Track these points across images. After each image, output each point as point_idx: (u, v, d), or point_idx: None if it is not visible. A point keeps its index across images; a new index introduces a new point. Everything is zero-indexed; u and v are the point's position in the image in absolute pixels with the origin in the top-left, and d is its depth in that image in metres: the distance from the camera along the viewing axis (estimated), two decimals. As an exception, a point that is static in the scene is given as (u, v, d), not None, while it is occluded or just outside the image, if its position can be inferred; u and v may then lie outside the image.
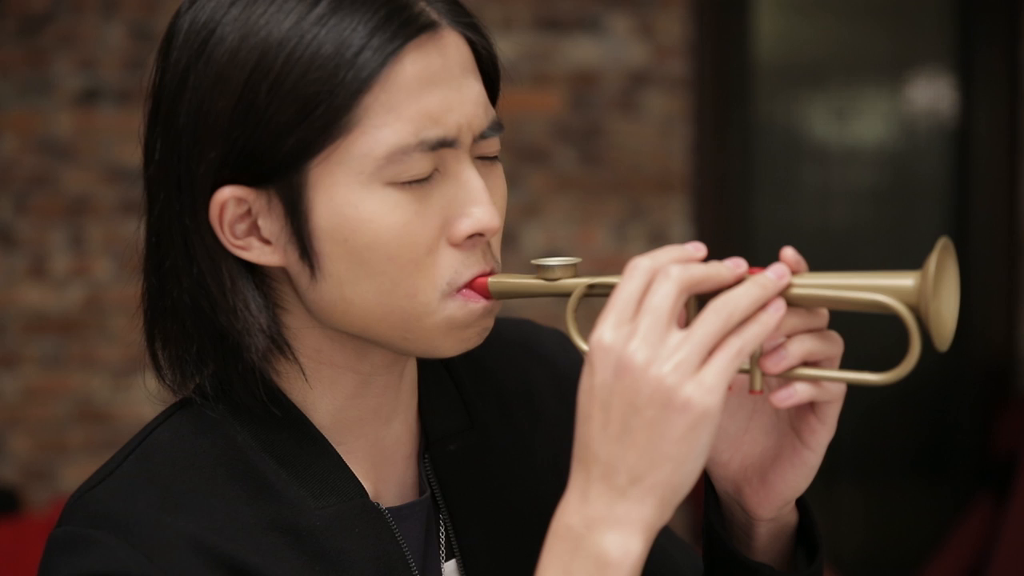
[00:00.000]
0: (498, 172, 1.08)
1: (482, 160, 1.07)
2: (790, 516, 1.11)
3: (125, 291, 4.14)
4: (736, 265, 0.97)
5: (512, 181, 4.29)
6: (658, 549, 1.08)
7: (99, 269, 3.96)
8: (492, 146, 1.07)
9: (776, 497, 1.06)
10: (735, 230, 4.17)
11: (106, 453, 3.87)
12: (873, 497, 4.41)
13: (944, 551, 4.02)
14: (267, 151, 1.00)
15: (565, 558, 0.93)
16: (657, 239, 4.06)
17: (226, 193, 1.02)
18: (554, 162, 4.08)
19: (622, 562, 0.91)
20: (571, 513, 0.94)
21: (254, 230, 1.04)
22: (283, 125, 0.99)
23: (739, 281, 0.96)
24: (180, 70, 1.03)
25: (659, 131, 4.11)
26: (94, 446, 3.93)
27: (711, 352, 0.91)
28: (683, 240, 4.06)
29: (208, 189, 1.02)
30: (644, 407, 0.90)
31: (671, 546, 1.26)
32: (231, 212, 1.03)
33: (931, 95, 4.38)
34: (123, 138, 3.94)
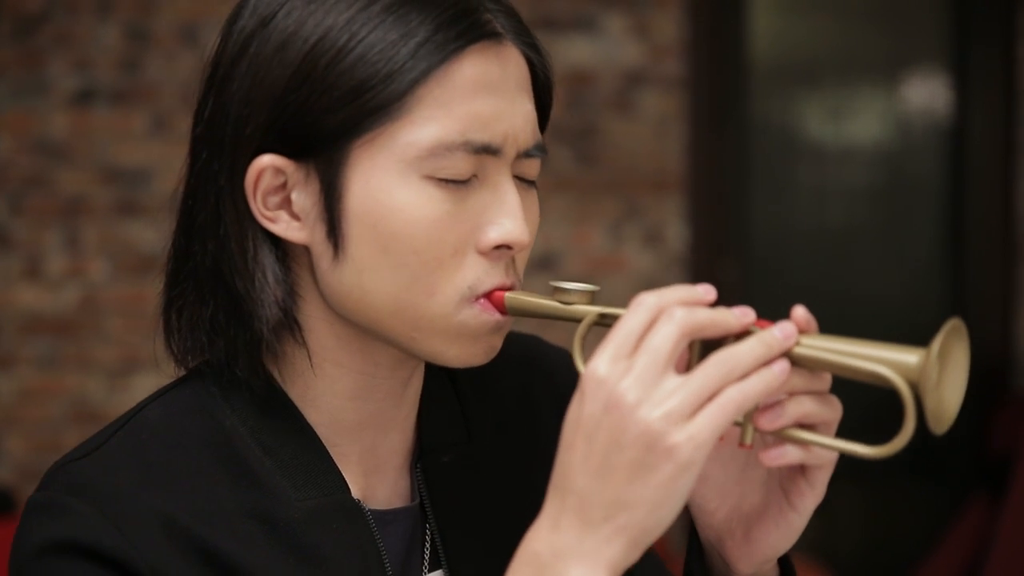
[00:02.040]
0: (534, 198, 1.09)
1: (520, 180, 1.07)
2: (771, 573, 1.10)
3: (120, 292, 4.15)
4: (743, 314, 0.95)
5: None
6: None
7: (94, 270, 3.95)
8: (533, 168, 1.08)
9: (757, 554, 1.05)
10: (731, 229, 4.17)
11: (102, 454, 3.88)
12: (869, 496, 4.41)
13: (940, 550, 4.02)
14: (315, 123, 1.01)
15: None
16: (653, 239, 4.06)
17: (266, 160, 1.03)
18: (550, 162, 4.05)
19: None
20: (540, 540, 0.93)
21: (286, 204, 1.04)
22: (335, 101, 1.00)
23: (745, 331, 0.95)
24: (243, 37, 1.04)
25: (655, 131, 4.11)
26: (90, 447, 3.92)
27: (705, 402, 0.90)
28: (678, 239, 4.07)
29: (250, 153, 1.03)
30: (628, 447, 0.89)
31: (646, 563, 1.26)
32: (267, 182, 1.03)
33: (927, 94, 4.38)
34: (118, 138, 3.94)
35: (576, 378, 1.26)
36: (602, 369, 0.91)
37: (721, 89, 4.16)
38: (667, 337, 0.91)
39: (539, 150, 1.08)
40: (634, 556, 0.92)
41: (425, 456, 1.15)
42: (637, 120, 4.10)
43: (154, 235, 3.95)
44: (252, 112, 1.03)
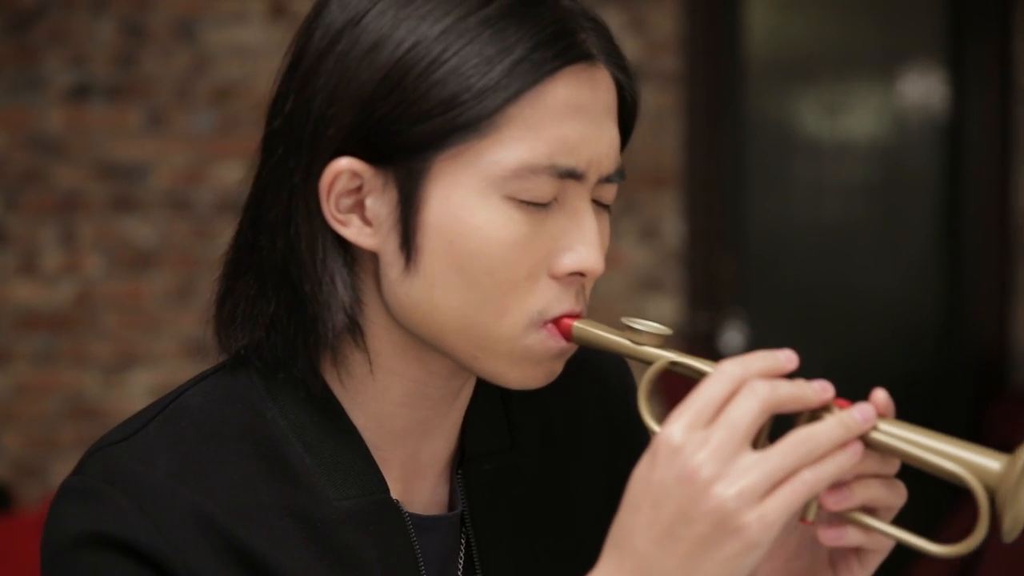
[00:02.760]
0: (606, 222, 1.07)
1: (596, 204, 1.05)
2: None
3: (116, 287, 4.14)
4: (823, 390, 0.93)
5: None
6: None
7: (90, 265, 3.95)
8: (610, 193, 1.06)
9: None
10: (727, 225, 4.17)
11: (98, 450, 3.87)
12: (865, 492, 4.41)
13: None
14: (400, 132, 0.99)
15: None
16: (649, 234, 4.06)
17: (343, 163, 1.01)
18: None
19: None
20: None
21: (358, 208, 1.02)
22: (424, 111, 0.98)
23: (823, 406, 0.93)
24: (332, 32, 1.02)
25: (651, 126, 4.11)
26: (86, 442, 3.90)
27: (780, 482, 0.89)
28: (675, 235, 4.07)
29: (328, 154, 1.01)
30: (697, 521, 0.88)
31: None
32: (342, 184, 1.01)
33: (923, 90, 4.38)
34: (114, 134, 3.94)
35: (627, 380, 1.25)
36: (678, 436, 0.90)
37: (717, 85, 4.16)
38: (748, 412, 0.90)
39: (619, 176, 1.06)
40: None
41: (467, 463, 1.13)
42: (633, 116, 4.09)
43: (150, 230, 3.95)
44: (336, 113, 1.00)
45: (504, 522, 1.13)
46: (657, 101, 4.09)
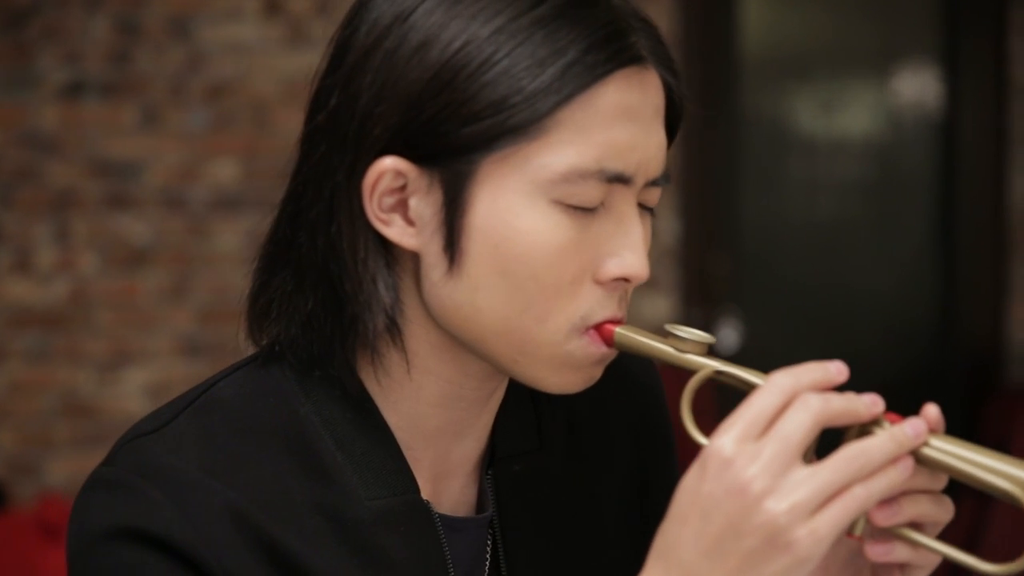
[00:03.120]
0: (649, 226, 1.06)
1: (640, 208, 1.04)
2: None
3: (111, 285, 4.14)
4: (873, 403, 0.93)
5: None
6: None
7: (84, 263, 3.95)
8: (655, 196, 1.05)
9: None
10: (722, 223, 4.17)
11: (92, 447, 3.87)
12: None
13: (931, 543, 4.03)
14: (448, 133, 0.97)
15: None
16: (644, 232, 4.06)
17: (389, 163, 0.99)
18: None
19: None
20: None
21: (400, 208, 1.01)
22: (474, 113, 0.97)
23: (873, 419, 0.93)
24: (380, 28, 1.00)
25: (646, 124, 4.10)
26: (80, 440, 3.92)
27: (831, 497, 0.88)
28: (669, 232, 4.06)
29: (374, 153, 0.99)
30: (747, 535, 0.88)
31: None
32: (385, 183, 1.00)
33: (918, 87, 4.38)
34: (108, 132, 3.93)
35: (654, 377, 1.23)
36: (729, 449, 0.89)
37: (712, 83, 4.16)
38: (800, 425, 0.89)
39: (665, 179, 1.05)
40: None
41: (497, 463, 1.12)
42: (628, 113, 4.09)
43: (144, 228, 3.94)
44: (383, 112, 0.99)
45: (530, 524, 1.12)
46: (652, 99, 4.09)
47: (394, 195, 1.01)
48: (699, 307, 4.08)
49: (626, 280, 1.02)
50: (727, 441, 0.89)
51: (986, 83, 4.30)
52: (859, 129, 4.41)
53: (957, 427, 4.06)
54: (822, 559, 1.00)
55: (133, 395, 3.91)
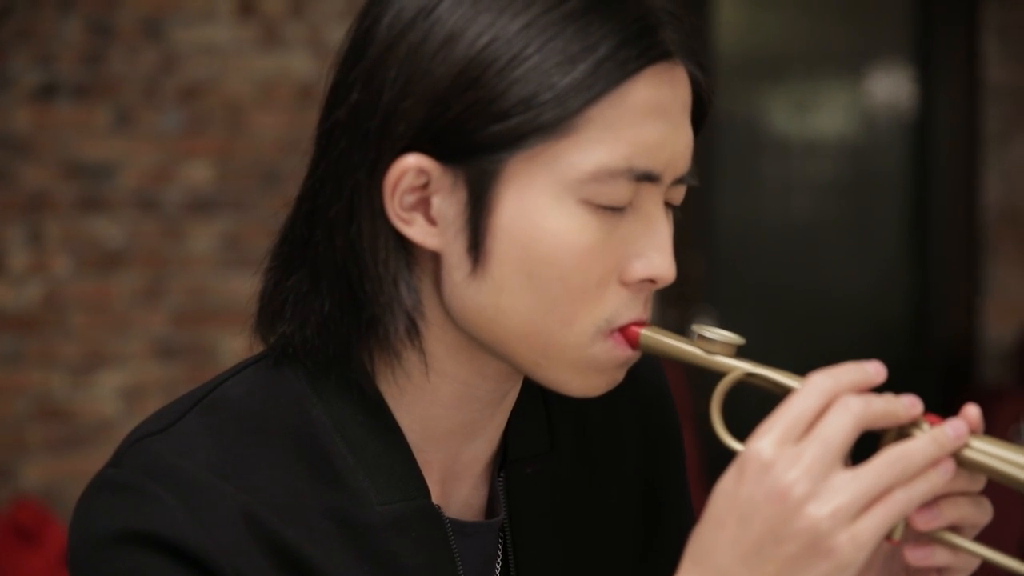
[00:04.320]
0: (671, 222, 1.03)
1: (666, 206, 1.02)
2: None
3: (84, 288, 4.11)
4: (912, 405, 0.91)
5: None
6: None
7: (58, 265, 3.93)
8: (680, 195, 1.03)
9: None
10: (697, 223, 4.17)
11: (66, 451, 3.85)
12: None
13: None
14: (475, 131, 0.94)
15: None
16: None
17: (411, 160, 0.96)
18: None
19: None
20: None
21: (422, 206, 0.98)
22: (502, 110, 0.94)
23: (912, 421, 0.92)
24: (404, 20, 0.96)
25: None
26: (54, 444, 3.90)
27: (873, 501, 0.87)
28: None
29: (398, 148, 0.96)
30: (787, 540, 0.86)
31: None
32: (408, 181, 0.97)
33: (891, 88, 4.40)
34: (82, 133, 3.92)
35: (662, 379, 1.21)
36: (769, 452, 0.87)
37: (687, 83, 4.16)
38: (841, 429, 0.88)
39: (692, 176, 1.02)
40: None
41: (509, 465, 1.09)
42: (603, 114, 4.10)
43: (118, 230, 3.93)
44: (408, 109, 0.95)
45: (541, 528, 1.10)
46: (626, 99, 4.10)
47: (415, 193, 0.97)
48: (674, 308, 4.08)
49: (652, 281, 1.00)
50: (766, 444, 0.87)
51: (959, 83, 4.32)
52: (833, 130, 4.42)
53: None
54: (861, 568, 0.98)
55: (108, 398, 3.89)
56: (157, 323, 3.91)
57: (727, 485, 0.88)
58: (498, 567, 1.08)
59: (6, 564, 3.45)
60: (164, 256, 3.93)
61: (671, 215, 1.03)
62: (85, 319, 3.94)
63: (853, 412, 0.88)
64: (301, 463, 0.99)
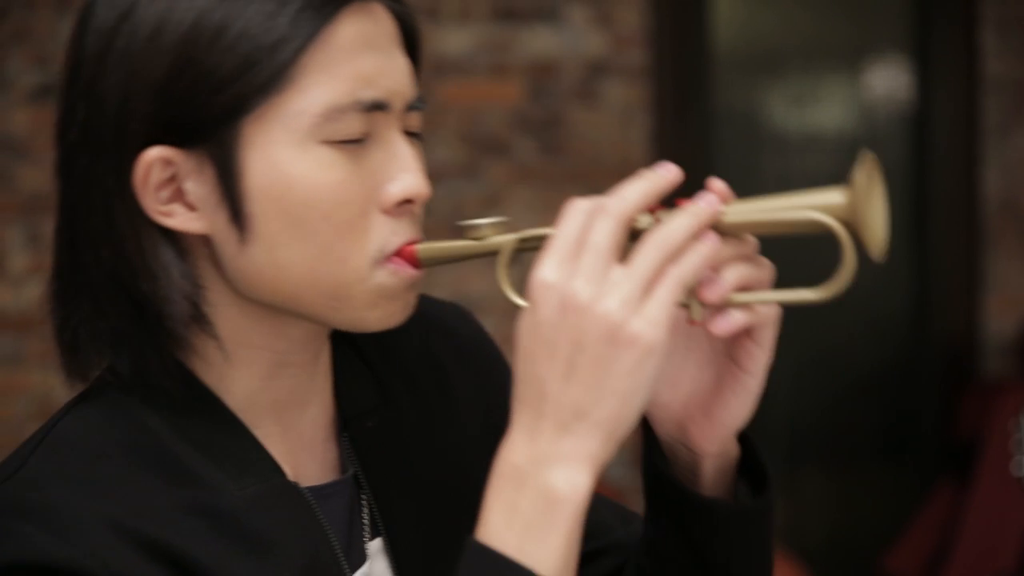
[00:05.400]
0: (420, 150, 1.09)
1: (408, 135, 1.07)
2: (733, 450, 1.11)
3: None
4: (668, 172, 0.98)
5: (472, 172, 4.28)
6: None
7: (57, 266, 3.92)
8: (417, 121, 1.09)
9: (722, 428, 1.07)
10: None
11: (67, 452, 3.85)
12: (837, 482, 4.43)
13: (908, 534, 4.04)
14: (202, 107, 0.99)
15: (512, 496, 0.94)
16: (618, 229, 4.06)
17: (153, 153, 1.00)
18: (514, 153, 4.06)
19: (571, 497, 0.93)
20: (517, 452, 0.94)
21: (178, 196, 1.02)
22: (221, 80, 0.99)
23: (672, 186, 0.98)
24: (104, 34, 1.02)
25: (619, 121, 4.11)
26: (55, 445, 3.90)
27: (652, 285, 0.93)
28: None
29: (137, 147, 1.00)
30: (591, 344, 0.91)
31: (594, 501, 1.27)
32: (156, 176, 1.01)
33: (889, 81, 4.39)
34: (79, 134, 3.91)
35: (472, 327, 1.29)
36: (550, 275, 0.93)
37: (685, 78, 4.16)
38: (605, 231, 0.93)
39: (421, 102, 1.08)
40: (612, 449, 0.93)
41: (349, 424, 1.15)
42: (601, 110, 4.09)
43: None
44: (134, 106, 1.00)
45: (395, 474, 1.15)
46: (624, 95, 4.09)
47: (168, 186, 1.02)
48: (675, 303, 4.07)
49: (410, 201, 1.05)
50: (546, 270, 0.93)
51: (958, 76, 4.31)
52: (832, 123, 4.41)
53: (932, 420, 4.07)
54: (684, 368, 1.07)
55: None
56: (157, 323, 3.90)
57: (525, 321, 0.94)
58: (365, 518, 1.13)
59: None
60: (163, 256, 3.92)
61: (418, 143, 1.08)
62: (85, 320, 3.93)
63: (611, 212, 0.94)
64: (150, 472, 1.02)
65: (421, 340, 1.23)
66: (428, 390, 1.21)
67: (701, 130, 4.20)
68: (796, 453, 4.35)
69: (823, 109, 4.41)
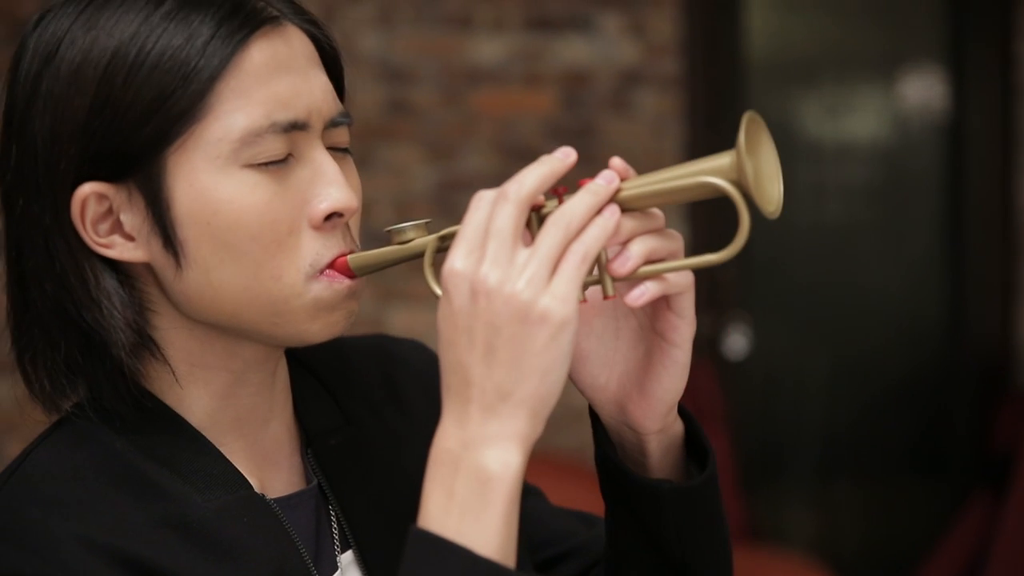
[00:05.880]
0: (351, 164, 1.12)
1: (334, 151, 1.10)
2: (676, 426, 1.14)
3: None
4: (565, 155, 1.00)
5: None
6: (525, 515, 1.11)
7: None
8: (343, 136, 1.11)
9: (658, 403, 1.09)
10: (730, 228, 4.15)
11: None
12: (871, 494, 4.41)
13: (942, 547, 4.02)
14: (125, 142, 1.03)
15: (447, 480, 0.96)
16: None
17: (86, 189, 1.04)
18: (547, 162, 4.06)
19: (503, 475, 0.95)
20: (449, 437, 0.97)
21: (117, 228, 1.06)
22: (139, 115, 1.02)
23: (569, 168, 1.00)
24: (31, 79, 1.05)
25: (651, 130, 4.10)
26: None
27: (558, 263, 0.95)
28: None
29: (68, 186, 1.04)
30: (504, 325, 0.94)
31: (541, 511, 1.32)
32: (92, 210, 1.05)
33: (924, 91, 4.38)
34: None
35: (428, 357, 1.33)
36: (459, 264, 0.96)
37: (718, 87, 4.16)
38: (508, 216, 0.96)
39: (344, 117, 1.11)
40: (539, 425, 0.96)
41: (313, 441, 1.19)
42: (634, 119, 4.09)
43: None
44: (60, 147, 1.04)
45: (365, 490, 1.19)
46: (658, 104, 4.09)
47: (105, 220, 1.06)
48: (707, 312, 4.07)
49: (339, 215, 1.08)
50: (455, 260, 0.96)
51: (992, 86, 4.30)
52: (866, 133, 4.40)
53: (967, 430, 4.05)
54: (613, 349, 1.10)
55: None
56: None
57: (442, 310, 0.97)
58: (334, 528, 1.17)
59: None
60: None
61: (348, 157, 1.13)
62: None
63: (511, 198, 0.97)
64: (120, 490, 1.05)
65: (380, 371, 1.28)
66: (389, 415, 1.26)
67: (734, 139, 4.18)
68: (829, 463, 4.34)
69: (857, 119, 4.39)
